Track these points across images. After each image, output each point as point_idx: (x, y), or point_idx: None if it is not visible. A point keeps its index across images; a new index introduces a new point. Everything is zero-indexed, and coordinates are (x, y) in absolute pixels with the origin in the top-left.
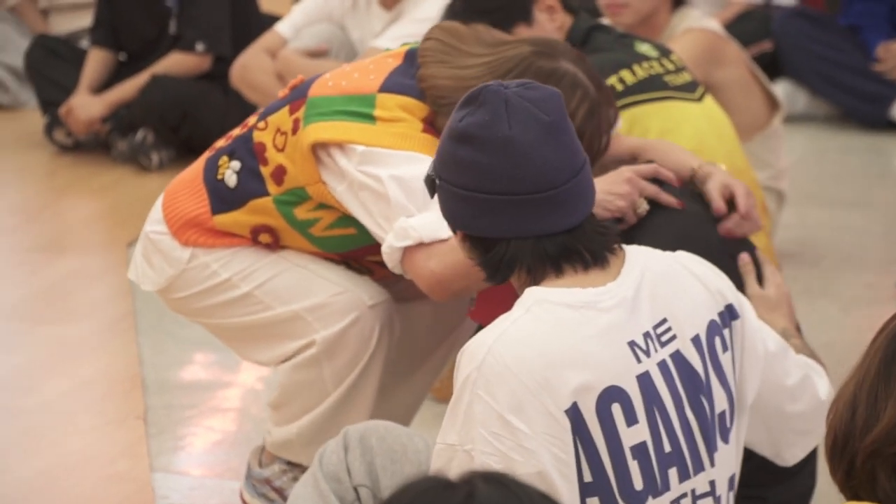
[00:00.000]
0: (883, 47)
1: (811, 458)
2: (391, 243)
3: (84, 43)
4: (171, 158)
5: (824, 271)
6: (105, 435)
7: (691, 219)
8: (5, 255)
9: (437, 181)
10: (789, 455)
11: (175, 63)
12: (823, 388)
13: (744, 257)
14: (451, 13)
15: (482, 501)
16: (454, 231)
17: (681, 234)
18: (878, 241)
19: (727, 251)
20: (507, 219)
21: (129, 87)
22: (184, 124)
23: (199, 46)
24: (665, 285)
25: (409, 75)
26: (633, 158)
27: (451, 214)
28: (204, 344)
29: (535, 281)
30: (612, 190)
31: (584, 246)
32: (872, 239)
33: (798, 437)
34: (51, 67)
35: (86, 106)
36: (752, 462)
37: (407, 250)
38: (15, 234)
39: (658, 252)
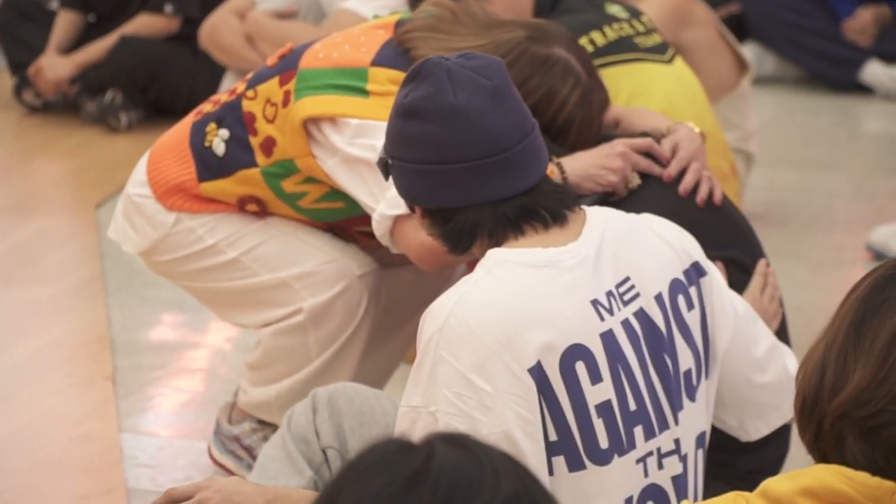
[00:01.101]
0: (853, 18)
1: (783, 427)
2: (382, 211)
3: (53, 4)
4: (140, 119)
5: (793, 232)
6: (73, 396)
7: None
8: None
9: (390, 162)
10: (752, 428)
11: (144, 24)
12: (793, 364)
13: (718, 265)
14: None
15: (441, 463)
16: (412, 209)
17: (671, 207)
18: (847, 202)
19: (718, 226)
20: (463, 187)
21: (97, 48)
22: (152, 86)
23: (168, 8)
24: (627, 244)
25: (400, 49)
26: (616, 124)
27: (408, 192)
28: (172, 305)
29: (497, 245)
30: (604, 164)
31: (542, 206)
32: (841, 200)
33: (763, 411)
34: (20, 28)
35: (54, 66)
36: (722, 431)
37: (397, 220)
38: None
39: (620, 212)
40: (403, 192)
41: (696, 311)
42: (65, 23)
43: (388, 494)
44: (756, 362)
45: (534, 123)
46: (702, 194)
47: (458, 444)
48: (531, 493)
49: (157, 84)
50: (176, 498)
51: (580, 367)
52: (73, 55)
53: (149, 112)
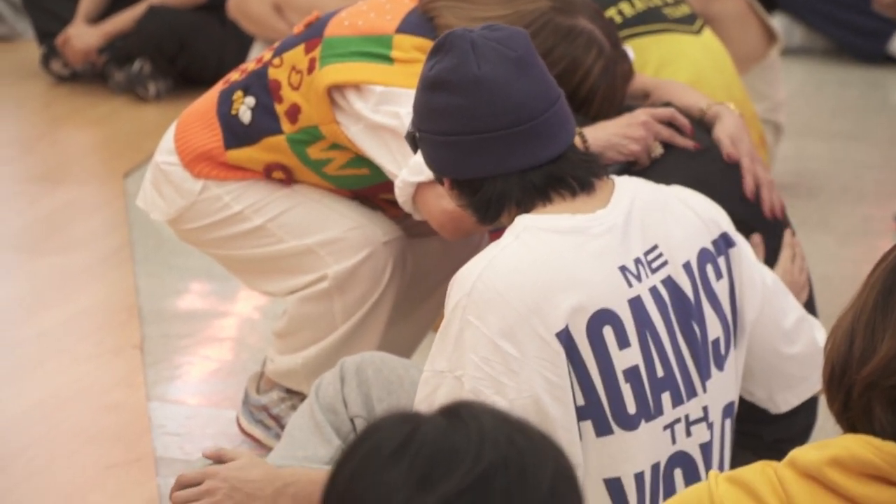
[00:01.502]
0: None
1: (811, 398)
2: (405, 178)
3: None
4: (168, 89)
5: (821, 204)
6: (102, 365)
7: (705, 162)
8: (2, 186)
9: (418, 135)
10: (781, 400)
11: None
12: (822, 335)
13: (755, 239)
14: None
15: (425, 434)
16: (440, 181)
17: (694, 177)
18: (876, 173)
19: (742, 198)
20: (490, 157)
21: (125, 18)
22: (181, 55)
23: None
24: (655, 213)
25: (425, 17)
26: (645, 96)
27: (436, 164)
28: (201, 273)
29: (525, 213)
30: (627, 133)
31: (569, 174)
32: (870, 171)
33: (792, 383)
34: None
35: (82, 36)
36: (749, 401)
37: (420, 187)
38: (12, 164)
39: (648, 182)
40: (432, 164)
41: (725, 281)
42: None
43: (374, 469)
44: (785, 334)
45: (560, 93)
46: (777, 209)
47: (450, 414)
48: (521, 461)
49: (186, 54)
50: (185, 483)
51: (608, 332)
52: (101, 25)
53: (177, 82)
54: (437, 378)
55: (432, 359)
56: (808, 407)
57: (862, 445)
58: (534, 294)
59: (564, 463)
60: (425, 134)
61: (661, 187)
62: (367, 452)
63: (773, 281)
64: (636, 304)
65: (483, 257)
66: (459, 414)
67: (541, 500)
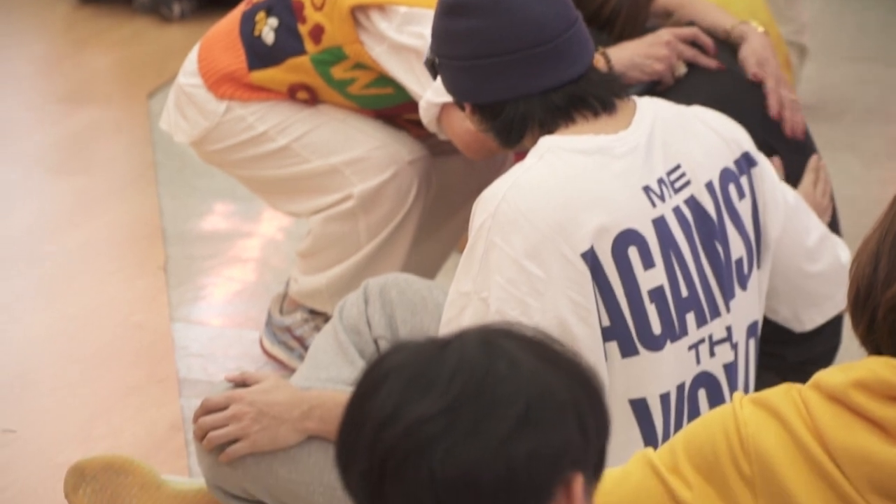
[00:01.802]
0: None
1: (834, 318)
2: (429, 99)
3: None
4: (193, 9)
5: (846, 125)
6: (125, 285)
7: (729, 81)
8: (27, 106)
9: (437, 61)
10: (806, 318)
11: None
12: (845, 253)
13: (775, 161)
14: None
15: (393, 362)
16: (461, 106)
17: (717, 96)
18: None
19: (762, 114)
20: (512, 78)
21: None
22: None
23: None
24: (677, 132)
25: None
26: (666, 14)
27: (457, 89)
28: (225, 194)
29: (548, 134)
30: (650, 53)
31: (591, 94)
32: (894, 93)
33: (816, 301)
34: None
35: None
36: (773, 321)
37: (444, 108)
38: (36, 84)
39: (670, 103)
40: (452, 89)
41: (748, 201)
42: None
43: (359, 396)
44: (808, 252)
45: (578, 14)
46: (799, 129)
47: (442, 342)
48: (492, 393)
49: None
50: (210, 408)
51: (633, 253)
52: None
53: (201, 2)
54: (462, 299)
55: (458, 280)
56: (832, 328)
57: (886, 367)
58: (558, 215)
59: (559, 390)
60: (445, 59)
61: (683, 108)
62: (364, 377)
63: (795, 199)
64: (660, 225)
65: (507, 178)
66: (451, 342)
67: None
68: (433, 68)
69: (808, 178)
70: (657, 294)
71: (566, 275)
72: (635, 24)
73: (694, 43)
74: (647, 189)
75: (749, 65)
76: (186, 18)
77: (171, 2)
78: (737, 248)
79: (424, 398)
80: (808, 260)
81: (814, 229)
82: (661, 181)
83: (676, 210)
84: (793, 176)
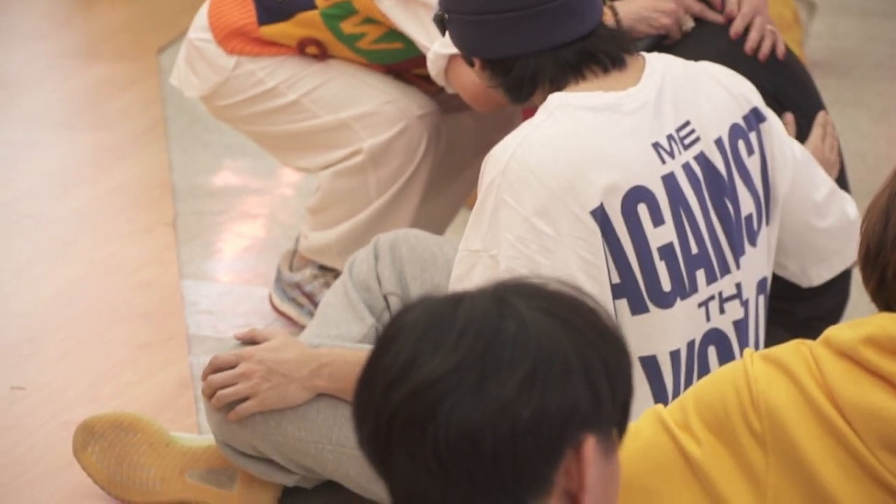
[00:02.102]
0: None
1: (844, 273)
2: (437, 50)
3: None
4: None
5: (855, 81)
6: (134, 242)
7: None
8: (36, 62)
9: (446, 16)
10: (814, 273)
11: None
12: (852, 209)
13: (787, 117)
14: None
15: (407, 320)
16: (470, 63)
17: (724, 50)
18: None
19: (770, 70)
20: (522, 35)
21: None
22: None
23: None
24: (686, 88)
25: None
26: None
27: (467, 44)
28: (234, 150)
29: (558, 91)
30: (657, 6)
31: (601, 50)
32: None
33: (825, 256)
34: None
35: None
36: (781, 278)
37: (451, 59)
38: (45, 40)
39: (678, 59)
40: (462, 45)
41: (756, 157)
42: None
43: (374, 354)
44: (816, 207)
45: None
46: (764, 50)
47: (453, 299)
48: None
49: None
50: (219, 366)
51: (642, 210)
52: None
53: None
54: (472, 257)
55: (467, 238)
56: (841, 284)
57: None
58: (567, 172)
59: (569, 347)
60: (455, 15)
61: (691, 63)
62: (379, 336)
63: (803, 154)
64: (670, 181)
65: (516, 135)
66: (462, 299)
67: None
68: (442, 24)
69: (816, 133)
70: (667, 251)
71: (576, 232)
72: None
73: None
74: (656, 145)
75: (729, 2)
76: None
77: None
78: (746, 205)
79: (433, 357)
80: (817, 215)
81: (822, 184)
82: (670, 137)
83: (686, 166)
84: (803, 128)
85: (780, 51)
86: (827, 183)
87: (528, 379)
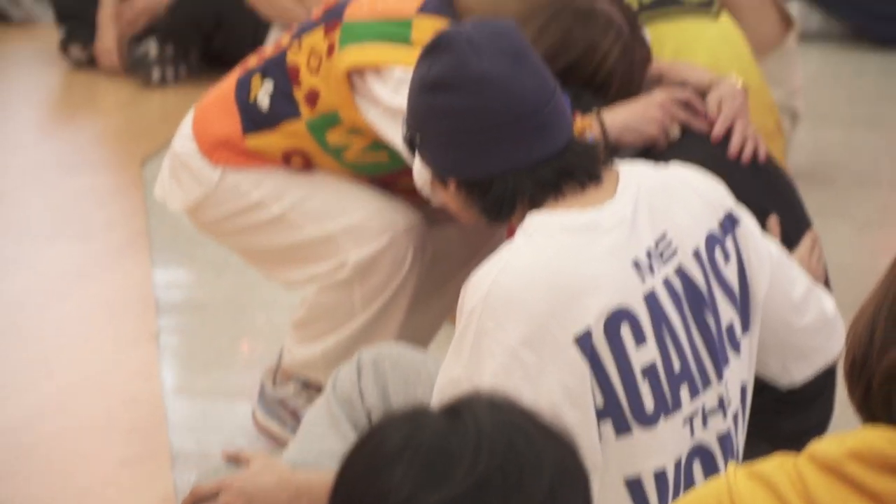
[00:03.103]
0: None
1: (828, 388)
2: None
3: None
4: (177, 76)
5: (838, 191)
6: (118, 356)
7: (721, 144)
8: (20, 173)
9: (418, 138)
10: (796, 370)
11: None
12: (830, 305)
13: (771, 220)
14: None
15: (422, 437)
16: (444, 182)
17: (710, 159)
18: (893, 161)
19: (755, 178)
20: (499, 154)
21: None
22: (217, 33)
23: None
24: (662, 199)
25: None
26: (659, 79)
27: (444, 165)
28: (218, 264)
29: (537, 209)
30: (644, 115)
31: (577, 165)
32: (887, 160)
33: (805, 353)
34: None
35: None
36: (767, 393)
37: None
38: (29, 151)
39: (651, 166)
40: (438, 166)
41: (733, 263)
42: None
43: (375, 469)
44: (794, 305)
45: (556, 84)
46: (746, 154)
47: (452, 413)
48: (519, 466)
49: (222, 32)
50: (201, 496)
51: (625, 330)
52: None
53: (211, 63)
54: (453, 385)
55: (448, 366)
56: (826, 398)
57: (882, 438)
58: (550, 298)
59: (570, 463)
60: (429, 136)
61: (665, 170)
62: (368, 453)
63: (779, 252)
64: (651, 300)
65: (497, 261)
66: (461, 413)
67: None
68: (412, 145)
69: (804, 245)
70: (650, 370)
71: (559, 359)
72: (629, 90)
73: (686, 105)
74: (636, 263)
75: (709, 105)
76: (168, 84)
77: (150, 67)
78: (727, 315)
79: (447, 479)
80: (796, 313)
81: (799, 282)
82: (649, 252)
83: (666, 282)
84: (786, 234)
85: (762, 155)
86: (804, 280)
87: (549, 495)
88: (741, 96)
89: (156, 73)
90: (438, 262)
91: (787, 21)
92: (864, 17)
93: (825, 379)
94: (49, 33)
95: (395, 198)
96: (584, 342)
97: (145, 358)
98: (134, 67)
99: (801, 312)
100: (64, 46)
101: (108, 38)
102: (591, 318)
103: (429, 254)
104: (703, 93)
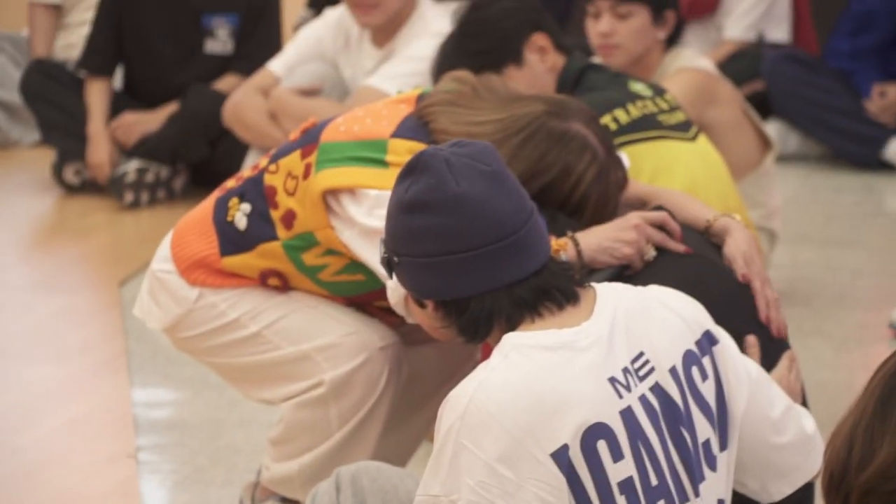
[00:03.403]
0: (878, 87)
1: (806, 500)
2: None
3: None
4: (152, 200)
5: (816, 311)
6: (97, 474)
7: (697, 265)
8: None
9: (396, 259)
10: (775, 490)
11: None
12: (809, 423)
13: (750, 339)
14: (443, 55)
15: None
16: (420, 304)
17: (686, 280)
18: (871, 280)
19: (732, 300)
20: (477, 274)
21: (165, 112)
22: (219, 145)
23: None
24: (638, 319)
25: (421, 121)
26: (641, 204)
27: (421, 286)
28: (196, 383)
29: (513, 329)
30: (619, 237)
31: (554, 286)
32: (865, 279)
33: (785, 472)
34: (51, 92)
35: (144, 122)
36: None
37: None
38: (7, 272)
39: (629, 286)
40: (416, 287)
41: (711, 381)
42: (101, 92)
43: None
44: (773, 424)
45: (533, 205)
46: (775, 323)
47: None
48: None
49: (215, 157)
50: None
51: (602, 447)
52: (158, 110)
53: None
54: (431, 502)
55: (425, 483)
56: None
57: None
58: (527, 416)
59: None
60: (407, 258)
61: (642, 290)
62: None
63: (758, 372)
64: (627, 416)
65: (473, 379)
66: None
67: None
68: (390, 266)
69: (783, 364)
70: (626, 485)
71: (537, 476)
72: (605, 212)
73: (661, 227)
74: (612, 380)
75: (738, 265)
76: (141, 208)
77: (122, 189)
78: (703, 431)
79: None
80: (775, 432)
81: (778, 401)
82: (626, 370)
83: (643, 399)
84: (764, 354)
85: (778, 328)
86: (783, 399)
87: None
88: (755, 245)
89: (129, 196)
90: (415, 382)
91: (765, 142)
92: (842, 138)
93: (803, 493)
94: (27, 156)
95: (371, 317)
96: (561, 457)
97: (124, 476)
98: (111, 186)
99: (781, 431)
100: (58, 170)
101: (100, 153)
102: (568, 435)
103: (405, 373)
104: (704, 228)
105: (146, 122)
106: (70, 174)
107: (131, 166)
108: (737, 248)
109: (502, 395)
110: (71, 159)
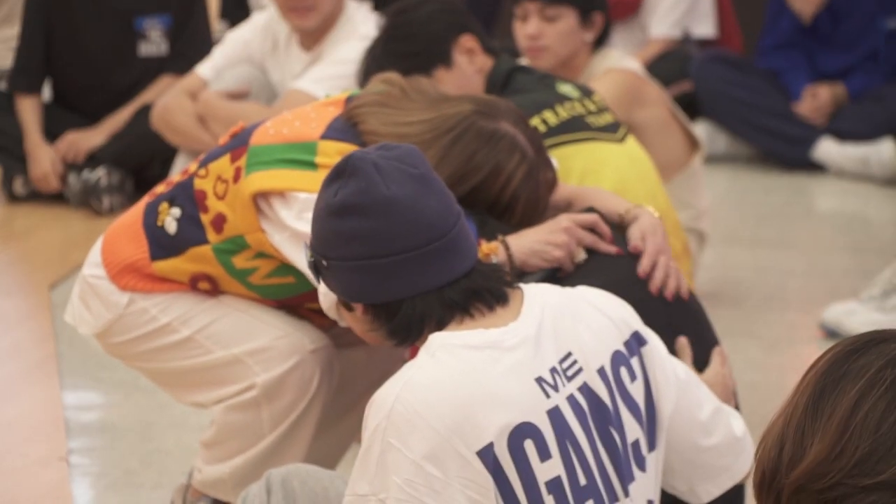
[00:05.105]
0: (810, 89)
1: (737, 501)
2: None
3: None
4: (122, 204)
5: (746, 312)
6: (28, 477)
7: (627, 266)
8: None
9: (324, 263)
10: (703, 491)
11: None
12: (738, 425)
13: (682, 341)
14: (371, 58)
15: None
16: (348, 307)
17: (617, 281)
18: (800, 281)
19: (662, 300)
20: (408, 277)
21: (124, 115)
22: (151, 164)
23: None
24: (566, 319)
25: (350, 123)
26: (568, 205)
27: (351, 290)
28: (127, 386)
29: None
30: (549, 240)
31: (483, 287)
32: (794, 279)
33: (712, 473)
34: None
35: (89, 138)
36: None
37: None
38: None
39: (556, 287)
40: (344, 291)
41: (639, 382)
42: (33, 109)
43: None
44: (701, 426)
45: (460, 209)
46: (670, 290)
47: None
48: None
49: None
50: None
51: (529, 446)
52: (102, 124)
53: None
54: (360, 502)
55: (353, 483)
56: None
57: None
58: (453, 414)
59: None
60: (335, 262)
61: (570, 291)
62: None
63: (686, 373)
64: (555, 415)
65: (399, 378)
66: None
67: None
68: (317, 270)
69: (716, 361)
70: (555, 485)
71: (464, 474)
72: (535, 212)
73: (592, 229)
74: (540, 380)
75: (632, 238)
76: (116, 212)
77: (101, 194)
78: (632, 432)
79: None
80: (703, 434)
81: (706, 403)
82: (553, 370)
83: (571, 399)
84: (695, 355)
85: (684, 292)
86: (711, 401)
87: None
88: (661, 228)
89: (106, 202)
90: (346, 385)
91: (693, 143)
92: (771, 138)
93: (734, 494)
94: None
95: (303, 320)
96: (487, 456)
97: (56, 479)
98: (86, 195)
99: (709, 433)
100: (6, 183)
101: (42, 165)
102: (494, 433)
103: (336, 375)
104: (614, 220)
105: (90, 137)
106: (18, 186)
107: (100, 170)
108: (638, 227)
109: (429, 394)
110: (17, 173)
